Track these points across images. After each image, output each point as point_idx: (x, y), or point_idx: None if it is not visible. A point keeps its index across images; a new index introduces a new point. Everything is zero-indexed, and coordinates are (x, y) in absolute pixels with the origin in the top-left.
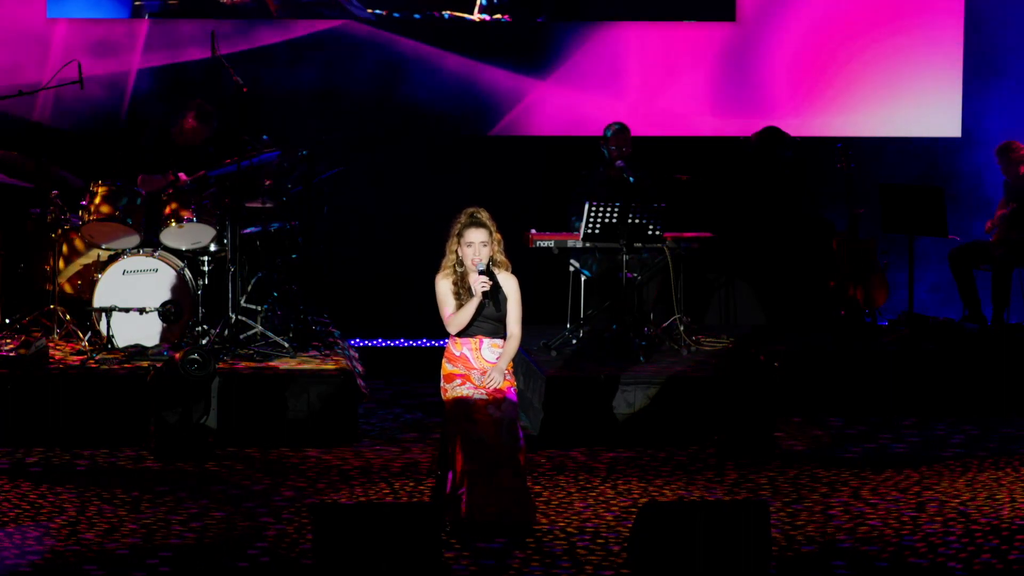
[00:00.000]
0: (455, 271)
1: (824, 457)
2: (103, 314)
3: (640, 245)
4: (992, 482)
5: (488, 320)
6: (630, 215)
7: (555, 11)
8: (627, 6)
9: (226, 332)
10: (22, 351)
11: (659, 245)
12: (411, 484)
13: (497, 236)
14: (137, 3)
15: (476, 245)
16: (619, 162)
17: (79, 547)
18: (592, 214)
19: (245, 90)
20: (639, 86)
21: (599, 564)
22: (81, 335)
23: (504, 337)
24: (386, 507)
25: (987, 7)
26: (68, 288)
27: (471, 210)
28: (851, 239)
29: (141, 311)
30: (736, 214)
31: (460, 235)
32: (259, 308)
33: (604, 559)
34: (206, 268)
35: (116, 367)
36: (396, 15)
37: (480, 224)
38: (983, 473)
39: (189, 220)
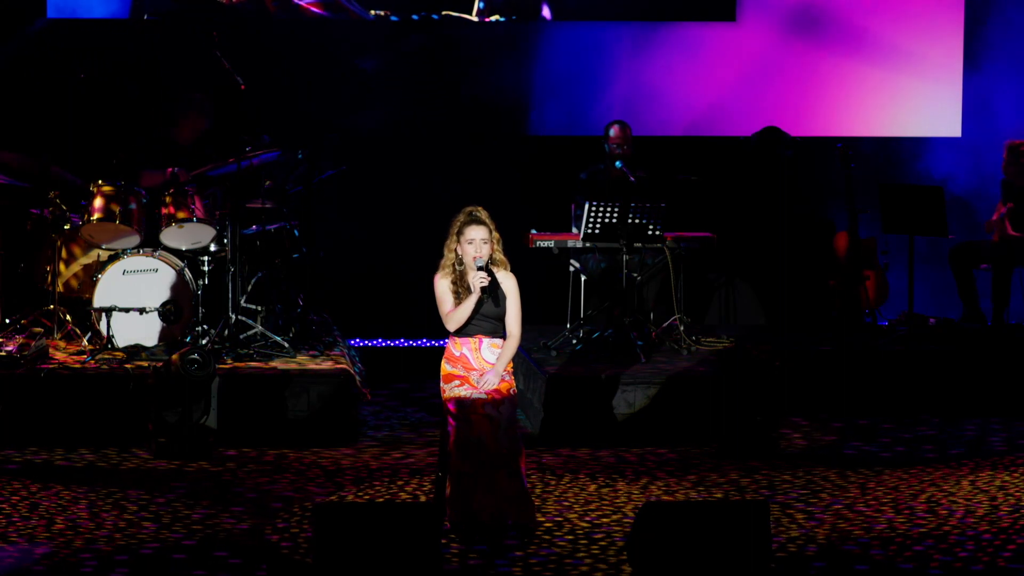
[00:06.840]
0: (454, 270)
1: (824, 457)
2: (103, 314)
3: (640, 245)
4: (993, 483)
5: (487, 319)
6: (630, 215)
7: (554, 11)
8: (627, 6)
9: (226, 332)
10: (23, 351)
11: (659, 245)
12: (411, 484)
13: (496, 235)
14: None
15: (477, 242)
16: (619, 162)
17: (81, 548)
18: (592, 214)
19: (243, 88)
20: (640, 86)
21: (599, 564)
22: (81, 335)
23: (504, 337)
24: (386, 507)
25: (987, 6)
26: (68, 288)
27: (470, 208)
28: (851, 239)
29: (141, 311)
30: (736, 214)
31: (460, 233)
32: (259, 308)
33: (604, 559)
34: (206, 268)
35: (116, 367)
36: (395, 17)
37: (480, 222)
38: (983, 474)
39: (189, 220)
